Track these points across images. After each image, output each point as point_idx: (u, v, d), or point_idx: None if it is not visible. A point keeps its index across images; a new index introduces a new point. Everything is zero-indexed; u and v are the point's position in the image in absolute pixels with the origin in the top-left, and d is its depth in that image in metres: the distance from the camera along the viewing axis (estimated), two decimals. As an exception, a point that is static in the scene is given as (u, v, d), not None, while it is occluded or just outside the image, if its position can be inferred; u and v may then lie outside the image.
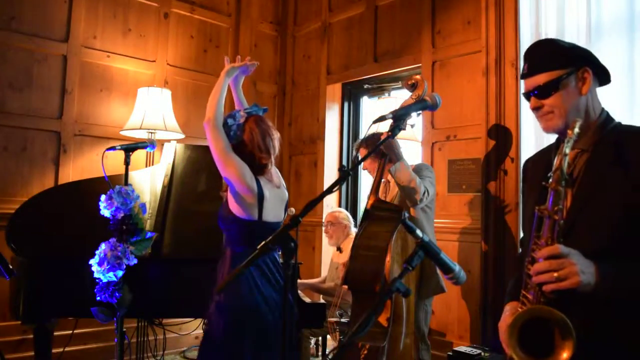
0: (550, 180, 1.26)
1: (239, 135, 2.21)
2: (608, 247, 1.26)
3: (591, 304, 1.23)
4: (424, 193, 2.62)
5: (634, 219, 1.26)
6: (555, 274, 1.19)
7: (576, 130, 1.26)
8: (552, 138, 1.53)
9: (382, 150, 2.64)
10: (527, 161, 1.66)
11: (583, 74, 1.39)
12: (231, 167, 2.12)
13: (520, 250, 1.68)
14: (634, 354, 1.27)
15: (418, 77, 2.34)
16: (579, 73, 1.38)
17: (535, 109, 1.42)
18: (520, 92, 1.47)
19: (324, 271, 4.36)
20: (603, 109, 1.44)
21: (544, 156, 1.54)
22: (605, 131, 1.38)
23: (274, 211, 2.26)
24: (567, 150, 1.25)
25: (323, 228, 3.93)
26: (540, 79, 1.39)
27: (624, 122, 1.43)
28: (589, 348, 1.17)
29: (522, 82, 1.48)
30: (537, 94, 1.40)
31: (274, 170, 2.32)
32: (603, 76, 1.44)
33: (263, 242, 1.34)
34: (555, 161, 1.26)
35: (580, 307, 1.20)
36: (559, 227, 1.25)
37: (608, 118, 1.42)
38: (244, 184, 2.13)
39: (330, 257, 4.00)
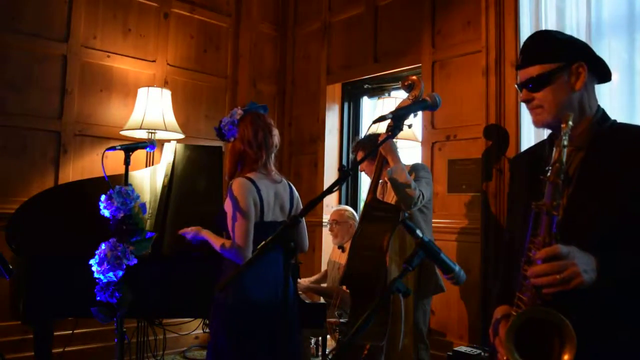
0: (549, 173, 1.22)
1: (233, 132, 2.26)
2: (605, 248, 1.22)
3: (588, 304, 1.20)
4: (419, 197, 2.61)
5: (631, 220, 1.23)
6: (559, 276, 1.14)
7: (570, 123, 1.24)
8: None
9: (379, 151, 2.64)
10: (515, 159, 1.65)
11: (577, 69, 1.34)
12: (247, 221, 2.17)
13: (504, 250, 1.65)
14: (631, 351, 1.25)
15: (414, 77, 2.35)
16: (573, 68, 1.34)
17: (526, 101, 1.40)
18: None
19: (324, 269, 4.35)
20: (599, 106, 1.40)
21: (534, 153, 1.52)
22: (601, 129, 1.35)
23: (274, 209, 2.29)
24: (566, 142, 1.22)
25: (327, 226, 3.88)
26: (533, 71, 1.36)
27: (624, 122, 1.42)
28: (586, 349, 1.14)
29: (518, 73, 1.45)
30: (529, 87, 1.38)
31: (272, 167, 2.33)
32: (602, 73, 1.40)
33: (263, 242, 1.35)
34: (554, 154, 1.23)
35: (577, 308, 1.16)
36: (557, 224, 1.21)
37: (604, 116, 1.38)
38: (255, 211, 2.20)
39: (329, 256, 3.99)
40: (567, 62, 1.34)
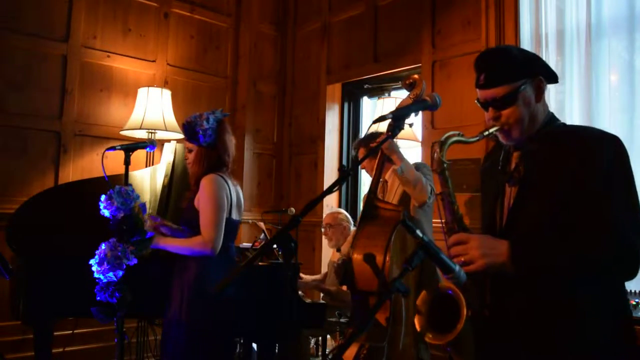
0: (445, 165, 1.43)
1: (213, 137, 2.39)
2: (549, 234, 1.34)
3: (506, 286, 1.37)
4: (431, 192, 2.63)
5: (565, 211, 1.33)
6: (462, 258, 1.34)
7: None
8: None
9: (381, 150, 2.63)
10: (482, 168, 1.77)
11: (538, 84, 1.42)
12: (221, 215, 2.31)
13: None
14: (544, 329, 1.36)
15: (416, 76, 2.34)
16: (534, 83, 1.42)
17: (494, 118, 1.46)
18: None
19: (324, 269, 4.35)
20: (549, 110, 1.49)
21: (492, 157, 1.67)
22: (545, 131, 1.44)
23: (237, 209, 2.46)
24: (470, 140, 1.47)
25: (322, 230, 3.88)
26: (498, 91, 1.41)
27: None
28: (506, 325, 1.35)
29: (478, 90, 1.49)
30: (495, 105, 1.44)
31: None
32: (552, 78, 1.49)
33: (263, 243, 1.35)
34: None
35: (498, 288, 1.36)
36: (456, 209, 1.44)
37: (552, 119, 1.47)
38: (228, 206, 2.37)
39: (330, 257, 3.98)
40: (529, 78, 1.41)
